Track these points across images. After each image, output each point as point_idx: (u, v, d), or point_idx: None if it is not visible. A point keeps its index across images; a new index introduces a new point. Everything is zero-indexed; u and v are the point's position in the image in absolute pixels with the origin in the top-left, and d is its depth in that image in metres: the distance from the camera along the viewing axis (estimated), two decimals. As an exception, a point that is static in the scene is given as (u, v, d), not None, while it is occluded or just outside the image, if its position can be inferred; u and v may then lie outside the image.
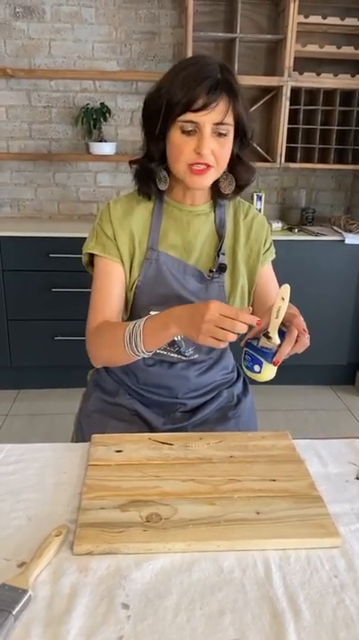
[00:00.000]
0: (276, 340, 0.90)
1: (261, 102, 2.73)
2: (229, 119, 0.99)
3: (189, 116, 0.96)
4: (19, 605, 0.62)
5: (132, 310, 1.13)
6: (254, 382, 1.01)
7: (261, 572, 0.69)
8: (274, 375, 0.93)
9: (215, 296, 1.11)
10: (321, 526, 0.75)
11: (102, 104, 2.75)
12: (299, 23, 2.52)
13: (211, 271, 1.12)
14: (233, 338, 0.85)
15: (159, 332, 0.95)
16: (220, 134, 0.99)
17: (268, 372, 0.92)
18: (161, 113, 0.99)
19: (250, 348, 0.94)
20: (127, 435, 0.99)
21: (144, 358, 1.16)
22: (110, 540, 0.71)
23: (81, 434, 1.19)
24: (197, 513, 0.77)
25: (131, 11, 2.72)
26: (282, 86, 2.62)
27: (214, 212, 1.15)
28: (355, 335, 2.82)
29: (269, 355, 0.91)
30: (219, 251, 1.13)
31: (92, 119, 2.72)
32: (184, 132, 0.98)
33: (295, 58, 2.58)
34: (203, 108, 0.95)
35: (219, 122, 0.97)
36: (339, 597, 0.66)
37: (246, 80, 2.59)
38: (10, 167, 2.89)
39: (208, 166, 1.01)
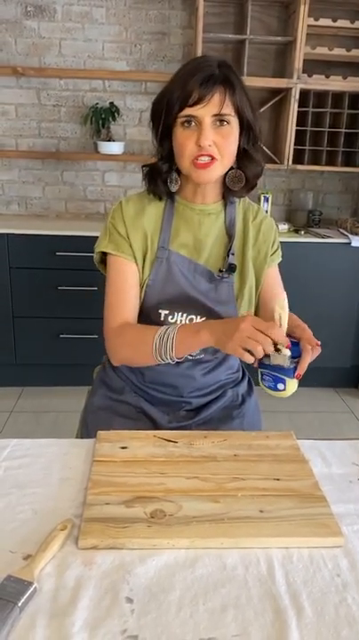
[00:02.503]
0: (286, 351, 0.90)
1: (270, 104, 2.74)
2: (227, 109, 1.00)
3: (187, 110, 0.99)
4: (25, 597, 0.63)
5: (141, 309, 1.13)
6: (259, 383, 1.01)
7: (264, 569, 0.70)
8: (297, 388, 0.95)
9: (224, 296, 1.12)
10: (324, 525, 0.76)
11: (111, 104, 2.76)
12: (308, 25, 2.52)
13: (220, 271, 1.12)
14: (261, 352, 0.88)
15: (190, 338, 0.98)
16: (222, 123, 1.00)
17: (292, 387, 0.95)
18: (163, 112, 1.02)
19: (266, 369, 0.95)
20: (132, 432, 0.99)
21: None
22: (115, 535, 0.72)
23: (86, 430, 1.19)
24: (201, 510, 0.78)
25: (142, 11, 2.73)
26: (291, 88, 2.62)
27: (225, 211, 1.15)
28: (359, 338, 2.82)
29: (290, 371, 0.92)
30: (228, 251, 1.13)
31: (101, 118, 2.73)
32: (185, 127, 1.01)
33: (304, 60, 2.58)
34: (199, 101, 0.98)
35: (216, 113, 0.99)
36: (341, 596, 0.67)
37: (255, 82, 2.60)
38: (18, 165, 2.91)
39: (212, 159, 1.01)
